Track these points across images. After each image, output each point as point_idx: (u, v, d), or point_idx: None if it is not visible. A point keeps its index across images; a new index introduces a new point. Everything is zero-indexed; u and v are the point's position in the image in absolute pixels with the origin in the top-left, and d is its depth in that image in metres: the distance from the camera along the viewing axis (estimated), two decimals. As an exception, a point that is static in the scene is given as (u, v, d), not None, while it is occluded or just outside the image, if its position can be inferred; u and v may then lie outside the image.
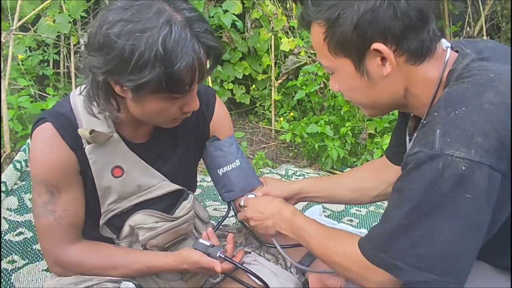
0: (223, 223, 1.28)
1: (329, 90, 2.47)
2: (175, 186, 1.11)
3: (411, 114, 0.99)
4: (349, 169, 2.33)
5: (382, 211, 1.95)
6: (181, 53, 0.85)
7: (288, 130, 2.55)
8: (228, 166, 1.19)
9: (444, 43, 0.85)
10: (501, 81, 0.75)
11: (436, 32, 0.80)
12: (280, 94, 2.79)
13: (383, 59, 0.80)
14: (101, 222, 1.06)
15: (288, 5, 2.90)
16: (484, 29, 2.92)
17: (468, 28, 3.05)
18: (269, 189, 1.20)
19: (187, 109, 0.98)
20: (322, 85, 2.41)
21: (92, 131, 0.97)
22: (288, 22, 2.78)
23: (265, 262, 1.13)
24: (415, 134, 0.83)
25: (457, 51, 0.84)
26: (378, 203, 2.04)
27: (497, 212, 0.73)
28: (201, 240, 1.07)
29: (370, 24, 0.77)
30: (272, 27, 2.73)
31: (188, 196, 1.14)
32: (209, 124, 1.17)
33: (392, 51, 0.78)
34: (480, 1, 2.87)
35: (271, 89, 2.82)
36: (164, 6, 0.87)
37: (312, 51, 2.70)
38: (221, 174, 1.20)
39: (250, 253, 1.15)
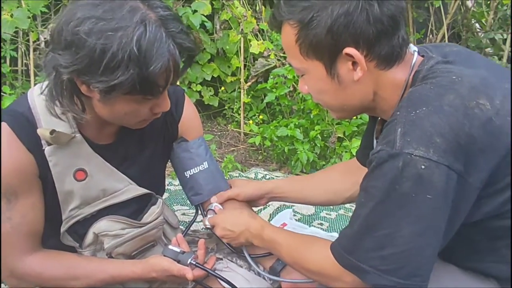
0: (192, 228, 1.24)
1: (299, 93, 2.47)
2: (142, 190, 1.06)
3: (379, 118, 1.00)
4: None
5: (351, 213, 1.96)
6: (156, 54, 0.81)
7: (257, 133, 2.53)
8: (195, 168, 1.15)
9: (412, 47, 0.86)
10: (463, 84, 0.76)
11: (405, 37, 0.81)
12: (249, 96, 2.76)
13: (354, 63, 0.80)
14: (62, 229, 0.99)
15: (257, 8, 2.89)
16: (446, 37, 3.02)
17: (430, 36, 3.15)
18: (240, 189, 1.17)
19: (158, 110, 0.94)
20: (291, 89, 2.41)
21: (53, 131, 0.90)
22: (258, 25, 2.77)
23: (238, 268, 1.09)
24: (381, 134, 0.83)
25: (423, 56, 0.86)
26: (347, 206, 2.05)
27: (455, 212, 0.74)
28: (170, 247, 1.03)
29: (344, 28, 0.77)
30: (242, 29, 2.70)
31: (156, 200, 1.09)
32: (177, 125, 1.13)
33: (363, 56, 0.78)
34: (442, 11, 2.97)
35: (240, 92, 2.79)
36: (137, 4, 0.83)
37: (282, 54, 2.70)
38: (188, 176, 1.16)
39: (221, 259, 1.11)
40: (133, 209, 1.06)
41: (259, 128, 2.54)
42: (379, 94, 0.84)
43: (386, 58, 0.80)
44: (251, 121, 2.67)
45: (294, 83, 2.40)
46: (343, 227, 1.77)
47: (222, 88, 2.89)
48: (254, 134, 2.58)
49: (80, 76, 0.83)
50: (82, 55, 0.80)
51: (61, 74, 0.84)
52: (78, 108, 0.90)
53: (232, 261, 1.10)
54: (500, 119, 0.73)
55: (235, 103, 2.88)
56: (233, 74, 2.93)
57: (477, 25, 3.43)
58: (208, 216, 1.14)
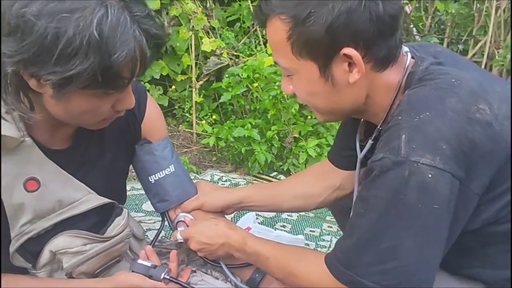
0: (158, 239, 1.14)
1: (253, 93, 2.42)
2: (104, 200, 0.95)
3: (361, 120, 0.97)
4: (275, 173, 2.31)
5: (311, 214, 1.95)
6: (120, 40, 0.70)
7: (211, 133, 2.44)
8: (161, 172, 1.06)
9: (403, 48, 0.83)
10: (462, 87, 0.74)
11: (401, 39, 0.78)
12: (201, 96, 2.66)
13: (351, 65, 0.75)
14: (12, 249, 0.86)
15: (208, 5, 2.80)
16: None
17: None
18: (205, 199, 1.09)
19: (121, 108, 0.84)
20: (246, 88, 2.35)
21: None
22: (209, 22, 2.68)
23: (214, 281, 1.02)
24: (380, 140, 0.79)
25: (412, 57, 0.84)
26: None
27: (455, 220, 0.73)
28: (139, 261, 0.93)
29: (344, 27, 0.72)
30: (193, 26, 2.60)
31: (121, 211, 0.99)
32: (140, 125, 1.03)
33: (361, 57, 0.74)
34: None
35: (191, 91, 2.69)
36: None
37: (234, 53, 2.63)
38: (153, 181, 1.07)
39: (195, 271, 1.03)
40: (93, 221, 0.95)
41: (212, 128, 2.46)
42: (372, 96, 0.81)
43: (383, 60, 0.76)
44: (203, 121, 2.58)
45: (248, 84, 2.35)
46: (305, 228, 1.79)
47: (173, 87, 2.76)
48: (208, 135, 2.49)
49: (27, 68, 0.71)
50: (30, 42, 0.68)
51: (4, 65, 0.71)
52: (26, 107, 0.78)
53: (207, 273, 1.03)
54: (499, 124, 0.72)
55: (186, 103, 2.77)
56: (183, 73, 2.81)
57: (414, 29, 3.61)
58: (179, 229, 1.05)
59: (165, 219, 1.11)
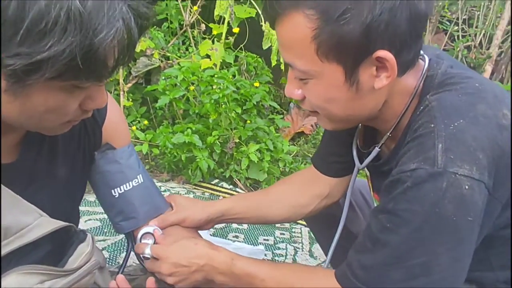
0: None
1: (188, 97, 2.29)
2: (59, 223, 0.78)
3: (359, 126, 0.93)
4: (217, 180, 2.21)
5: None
6: (107, 17, 0.56)
7: (143, 140, 2.26)
8: (127, 184, 0.90)
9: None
10: (487, 92, 0.73)
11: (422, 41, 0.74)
12: (129, 100, 2.45)
13: (378, 69, 0.69)
14: None
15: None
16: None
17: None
18: (187, 214, 0.97)
19: (92, 106, 0.69)
20: (184, 91, 2.22)
21: None
22: (136, 20, 2.48)
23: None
24: (402, 147, 0.74)
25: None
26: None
27: (481, 230, 0.70)
28: (112, 294, 0.78)
29: (385, 27, 0.65)
30: (119, 24, 2.38)
31: (84, 236, 0.81)
32: (101, 129, 0.87)
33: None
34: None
35: (118, 94, 2.46)
36: None
37: (168, 54, 2.47)
38: (117, 195, 0.90)
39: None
40: (46, 250, 0.77)
41: (145, 135, 2.27)
42: (388, 102, 0.75)
43: (408, 63, 0.71)
44: (134, 127, 2.37)
45: (185, 86, 2.21)
46: (259, 238, 1.72)
47: (96, 89, 2.50)
48: (139, 142, 2.29)
49: None
50: None
51: None
52: None
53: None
54: None
55: (112, 107, 2.53)
56: (107, 74, 2.56)
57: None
58: (147, 241, 0.90)
59: (130, 241, 0.95)
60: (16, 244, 0.72)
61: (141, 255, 0.90)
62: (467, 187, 0.64)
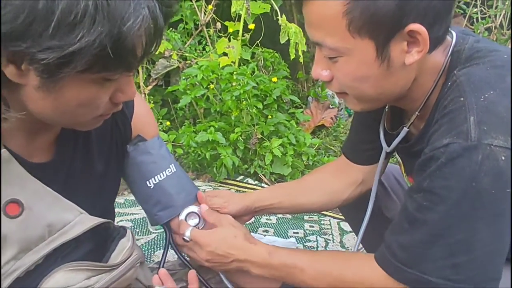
0: (156, 259, 0.99)
1: (208, 95, 2.30)
2: (98, 220, 0.79)
3: (386, 108, 0.92)
4: (242, 177, 2.21)
5: (289, 216, 1.88)
6: (133, 5, 0.56)
7: (166, 141, 2.28)
8: (161, 174, 0.91)
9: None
10: None
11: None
12: (150, 102, 2.48)
13: (409, 45, 0.68)
14: (-5, 295, 0.67)
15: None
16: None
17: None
18: (226, 200, 0.97)
19: (122, 98, 0.69)
20: (205, 90, 2.23)
21: None
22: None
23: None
24: (437, 125, 0.72)
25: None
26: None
27: None
28: (156, 287, 0.79)
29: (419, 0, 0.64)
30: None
31: (125, 232, 0.83)
32: (130, 123, 0.88)
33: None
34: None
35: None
36: None
37: (185, 54, 2.49)
38: (152, 186, 0.91)
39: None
40: (88, 248, 0.79)
41: (168, 135, 2.29)
42: (417, 80, 0.75)
43: (438, 39, 0.71)
44: (156, 129, 2.39)
45: (206, 85, 2.23)
46: (288, 231, 1.71)
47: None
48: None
49: (10, 45, 0.55)
50: (16, 7, 0.53)
51: None
52: (4, 105, 0.62)
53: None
54: None
55: (134, 110, 2.56)
56: (127, 78, 2.60)
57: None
58: (192, 221, 0.91)
59: (168, 231, 0.96)
60: (61, 240, 0.74)
61: (182, 236, 0.90)
62: (503, 157, 0.63)
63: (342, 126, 2.98)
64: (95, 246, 0.80)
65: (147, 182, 0.91)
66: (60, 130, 0.77)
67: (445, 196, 0.66)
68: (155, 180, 0.91)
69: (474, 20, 3.02)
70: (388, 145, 0.89)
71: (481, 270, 0.67)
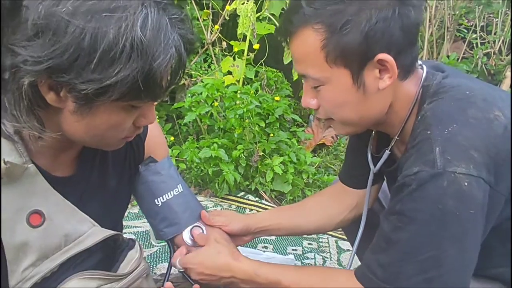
0: (159, 272, 1.03)
1: (212, 112, 2.36)
2: (109, 232, 0.84)
3: (373, 133, 0.98)
4: (243, 193, 2.25)
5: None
6: (163, 44, 0.64)
7: (170, 156, 2.32)
8: (169, 193, 0.97)
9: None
10: (476, 97, 0.79)
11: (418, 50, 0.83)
12: (156, 117, 2.53)
13: (381, 72, 0.78)
14: (13, 300, 0.71)
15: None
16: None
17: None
18: (227, 219, 1.02)
19: (144, 123, 0.76)
20: (209, 107, 2.29)
21: (5, 162, 0.66)
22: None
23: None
24: (405, 154, 0.81)
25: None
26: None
27: (487, 222, 0.76)
28: (162, 299, 0.83)
29: (381, 34, 0.74)
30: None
31: (134, 244, 0.87)
32: (144, 143, 0.94)
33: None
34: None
35: (144, 112, 2.55)
36: None
37: (191, 71, 2.56)
38: (160, 204, 0.97)
39: (215, 305, 0.94)
40: (99, 258, 0.83)
41: (172, 150, 2.34)
42: (393, 106, 0.83)
43: (408, 68, 0.80)
44: (160, 144, 2.45)
45: (209, 102, 2.29)
46: (287, 247, 1.75)
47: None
48: (166, 158, 2.36)
49: (53, 77, 0.62)
50: (64, 44, 0.59)
51: (23, 75, 0.61)
52: (38, 125, 0.68)
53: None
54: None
55: (138, 125, 2.62)
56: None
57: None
58: (197, 228, 0.98)
59: (171, 247, 1.00)
60: (75, 250, 0.78)
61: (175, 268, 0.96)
62: (466, 183, 0.70)
63: (342, 145, 3.03)
64: (105, 256, 0.84)
65: (156, 200, 0.96)
66: (82, 147, 0.83)
67: (415, 217, 0.73)
68: (163, 199, 0.96)
69: (474, 45, 3.10)
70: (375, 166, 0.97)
71: (452, 283, 0.73)
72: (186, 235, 0.98)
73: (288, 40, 0.81)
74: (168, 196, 0.96)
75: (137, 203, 1.03)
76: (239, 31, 2.27)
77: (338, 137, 3.14)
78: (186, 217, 0.98)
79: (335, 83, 0.78)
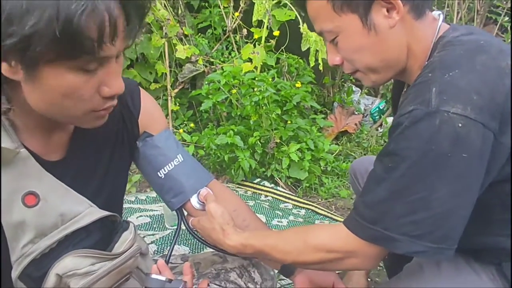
0: (160, 253, 1.08)
1: (231, 100, 2.39)
2: (105, 212, 0.88)
3: (404, 89, 0.98)
4: (259, 179, 2.28)
5: (300, 219, 1.93)
6: None
7: (189, 142, 2.38)
8: (170, 164, 0.99)
9: (436, 12, 0.86)
10: (492, 46, 0.77)
11: None
12: (176, 104, 2.60)
13: (389, 10, 0.79)
14: (14, 274, 0.77)
15: (179, 11, 2.75)
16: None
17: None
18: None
19: (108, 92, 0.73)
20: (226, 95, 2.31)
21: None
22: (182, 29, 2.63)
23: (229, 293, 0.97)
24: (404, 95, 0.82)
25: (449, 24, 0.86)
26: (295, 212, 2.03)
27: (487, 172, 0.73)
28: (153, 276, 0.88)
29: None
30: (165, 33, 2.54)
31: (128, 225, 0.92)
32: (137, 120, 0.96)
33: None
34: None
35: (166, 99, 2.62)
36: None
37: (211, 59, 2.59)
38: (163, 176, 0.99)
39: (208, 285, 0.98)
40: (97, 238, 0.88)
41: (191, 137, 2.40)
42: (412, 50, 0.83)
43: (417, 3, 0.80)
44: (181, 130, 2.51)
45: (227, 90, 2.32)
46: (298, 225, 1.76)
47: (147, 95, 2.67)
48: (186, 144, 2.43)
49: None
50: None
51: None
52: (6, 101, 0.71)
53: (220, 286, 0.98)
54: None
55: (161, 112, 2.69)
56: (156, 81, 2.74)
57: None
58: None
59: (180, 218, 1.04)
60: (72, 228, 0.83)
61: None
62: (460, 125, 0.68)
63: (365, 133, 2.99)
64: (102, 236, 0.89)
65: (158, 173, 0.99)
66: (73, 131, 0.87)
67: (406, 155, 0.72)
68: (165, 171, 0.99)
69: (507, 28, 2.94)
70: None
71: (439, 227, 0.72)
72: (194, 201, 1.01)
73: (303, 4, 0.85)
74: (170, 167, 0.99)
75: (145, 178, 1.07)
76: (254, 18, 2.27)
77: (361, 124, 3.09)
78: (191, 184, 1.00)
79: (347, 30, 0.81)
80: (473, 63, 0.73)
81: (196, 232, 1.03)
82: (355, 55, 0.84)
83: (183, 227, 1.04)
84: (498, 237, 0.83)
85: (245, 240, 0.92)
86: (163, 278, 0.86)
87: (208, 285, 0.98)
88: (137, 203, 1.92)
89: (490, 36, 0.85)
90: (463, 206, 0.73)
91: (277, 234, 0.93)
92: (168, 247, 1.53)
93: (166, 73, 2.58)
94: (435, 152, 0.70)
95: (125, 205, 1.85)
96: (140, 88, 0.99)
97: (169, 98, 2.57)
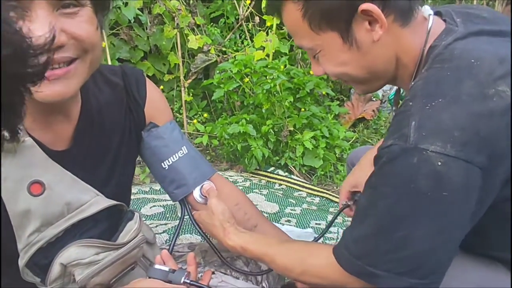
0: (168, 242, 1.09)
1: (244, 88, 2.37)
2: (112, 201, 0.89)
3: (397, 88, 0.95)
4: (273, 168, 2.27)
5: (314, 207, 1.92)
6: None
7: (203, 132, 2.39)
8: (174, 156, 1.00)
9: (427, 10, 0.79)
10: (482, 68, 0.69)
11: None
12: (190, 95, 2.60)
13: (371, 23, 0.73)
14: (21, 262, 0.79)
15: (191, 1, 2.74)
16: None
17: None
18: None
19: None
20: (238, 83, 2.30)
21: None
22: (193, 19, 2.62)
23: (234, 281, 0.98)
24: (390, 124, 0.77)
25: (445, 21, 0.79)
26: (309, 200, 2.01)
27: (480, 205, 0.70)
28: (156, 266, 0.88)
29: None
30: (177, 24, 2.53)
31: (133, 215, 0.92)
32: (143, 110, 0.96)
33: (380, 10, 0.71)
34: None
35: (179, 90, 2.62)
36: None
37: (223, 48, 2.58)
38: (166, 167, 1.00)
39: (214, 273, 0.98)
40: (103, 227, 0.89)
41: (205, 127, 2.40)
42: (401, 59, 0.78)
43: (404, 11, 0.74)
44: (195, 120, 2.52)
45: (240, 79, 2.30)
46: (310, 222, 1.75)
47: (161, 87, 2.69)
48: (200, 134, 2.43)
49: None
50: None
51: None
52: None
53: (226, 274, 0.98)
54: None
55: (175, 103, 2.71)
56: (169, 72, 2.75)
57: None
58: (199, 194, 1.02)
59: (184, 209, 1.05)
60: (78, 217, 0.84)
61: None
62: (439, 163, 0.64)
63: (383, 119, 2.93)
64: (110, 226, 0.90)
65: (162, 164, 1.00)
66: (78, 120, 0.88)
67: (386, 193, 0.70)
68: (169, 162, 0.99)
69: (532, 6, 2.80)
70: None
71: (423, 264, 0.70)
72: (196, 194, 1.02)
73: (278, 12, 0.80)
74: (174, 159, 0.99)
75: (148, 168, 1.08)
76: (263, 5, 2.23)
77: (379, 111, 3.03)
78: (194, 177, 1.01)
79: (327, 47, 0.77)
80: (458, 91, 0.67)
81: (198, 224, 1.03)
82: (337, 69, 0.80)
83: (187, 217, 1.05)
84: (499, 252, 0.81)
85: (245, 244, 0.92)
86: (166, 269, 0.87)
87: (213, 273, 0.98)
88: (151, 194, 1.94)
89: (490, 36, 0.76)
90: (450, 240, 0.70)
91: (278, 245, 0.91)
92: (180, 236, 1.54)
93: (179, 64, 2.58)
94: (414, 191, 0.66)
95: (139, 196, 1.88)
96: (146, 78, 0.99)
97: (183, 88, 2.57)
